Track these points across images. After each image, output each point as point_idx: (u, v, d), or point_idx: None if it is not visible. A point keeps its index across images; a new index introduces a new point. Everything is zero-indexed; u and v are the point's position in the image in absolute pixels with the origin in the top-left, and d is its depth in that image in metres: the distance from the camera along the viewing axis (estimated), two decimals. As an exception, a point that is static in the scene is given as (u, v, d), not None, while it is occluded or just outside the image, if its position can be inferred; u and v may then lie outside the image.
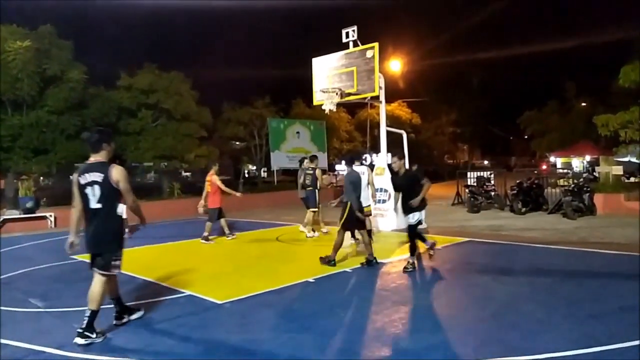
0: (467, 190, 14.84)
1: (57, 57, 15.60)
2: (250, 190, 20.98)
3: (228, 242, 9.78)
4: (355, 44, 11.48)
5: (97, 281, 4.34)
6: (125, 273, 6.87)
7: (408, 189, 6.65)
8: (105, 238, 4.32)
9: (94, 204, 4.20)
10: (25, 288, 6.29)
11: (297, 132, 23.44)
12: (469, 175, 16.15)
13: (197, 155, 19.67)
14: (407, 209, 6.65)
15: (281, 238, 10.08)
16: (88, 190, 4.18)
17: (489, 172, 12.93)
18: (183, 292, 5.74)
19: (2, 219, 12.54)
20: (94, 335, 4.16)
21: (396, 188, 7.28)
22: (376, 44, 11.13)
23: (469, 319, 4.63)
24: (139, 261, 7.92)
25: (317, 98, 12.09)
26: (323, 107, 11.50)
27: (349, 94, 11.41)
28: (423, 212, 6.77)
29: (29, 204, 13.05)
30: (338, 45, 11.88)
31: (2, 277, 6.88)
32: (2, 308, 5.28)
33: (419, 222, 6.76)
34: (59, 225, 13.18)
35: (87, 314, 4.20)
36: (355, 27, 11.51)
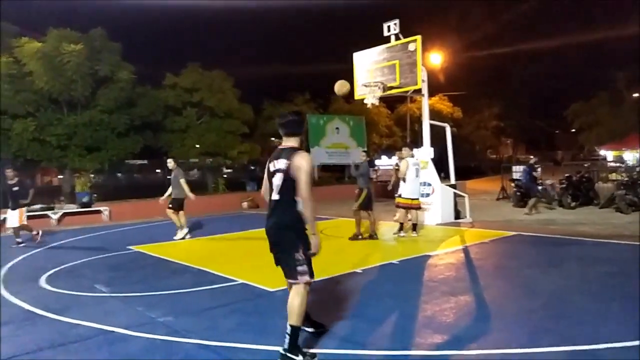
0: (512, 185, 14.53)
1: (108, 58, 16.33)
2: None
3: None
4: (397, 38, 11.45)
5: (293, 292, 3.57)
6: (180, 263, 7.27)
7: None
8: (283, 238, 3.60)
9: (274, 195, 3.60)
10: (89, 275, 6.71)
11: (337, 128, 23.49)
12: (514, 170, 15.80)
13: (239, 151, 20.14)
14: None
15: (325, 231, 10.23)
16: (274, 178, 3.59)
17: (535, 166, 12.62)
18: (236, 280, 5.97)
19: (62, 212, 13.29)
20: (299, 358, 3.37)
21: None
22: (419, 37, 11.07)
23: (519, 310, 4.60)
24: (192, 252, 8.30)
25: (359, 92, 12.14)
26: (365, 102, 11.53)
27: (391, 88, 11.41)
28: None
29: (85, 199, 13.80)
30: (377, 40, 11.90)
31: (66, 265, 7.36)
32: (71, 292, 5.68)
33: None
34: (113, 218, 13.87)
35: (287, 330, 3.42)
36: (397, 21, 11.48)
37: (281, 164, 3.54)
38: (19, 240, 9.49)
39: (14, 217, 9.39)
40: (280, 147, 3.71)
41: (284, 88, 27.39)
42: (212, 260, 7.28)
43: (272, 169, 3.62)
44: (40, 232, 9.92)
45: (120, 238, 10.02)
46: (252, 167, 34.06)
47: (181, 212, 9.80)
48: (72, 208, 13.68)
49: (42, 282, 6.27)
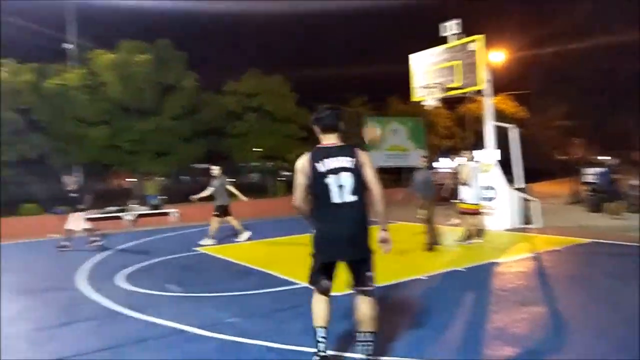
0: (586, 188, 13.71)
1: (173, 67, 17.17)
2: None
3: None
4: (458, 37, 11.18)
5: (364, 300, 3.39)
6: (245, 265, 7.48)
7: None
8: (362, 244, 3.32)
9: (346, 197, 3.23)
10: (162, 275, 7.06)
11: (394, 130, 23.25)
12: (586, 172, 14.88)
13: (297, 155, 20.38)
14: None
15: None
16: (330, 179, 3.22)
17: (616, 167, 11.79)
18: (299, 284, 6.04)
19: (134, 214, 14.09)
20: None
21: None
22: (482, 36, 10.74)
23: (597, 323, 4.33)
24: (255, 255, 8.50)
25: (417, 94, 11.96)
26: (423, 103, 11.35)
27: (451, 89, 11.14)
28: None
29: (155, 201, 14.56)
30: (433, 40, 11.71)
31: (140, 265, 7.79)
32: (146, 291, 5.99)
33: None
34: (181, 220, 14.52)
35: (368, 337, 3.38)
36: (457, 20, 11.22)
37: (343, 162, 3.24)
38: (66, 243, 9.60)
39: (73, 221, 9.63)
40: (323, 145, 3.36)
41: (340, 91, 27.47)
42: (275, 263, 7.42)
43: (322, 169, 3.23)
44: (99, 239, 9.85)
45: (187, 239, 10.44)
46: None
47: (230, 217, 9.96)
48: (143, 210, 14.46)
49: (120, 280, 6.67)
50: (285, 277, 6.44)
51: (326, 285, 3.44)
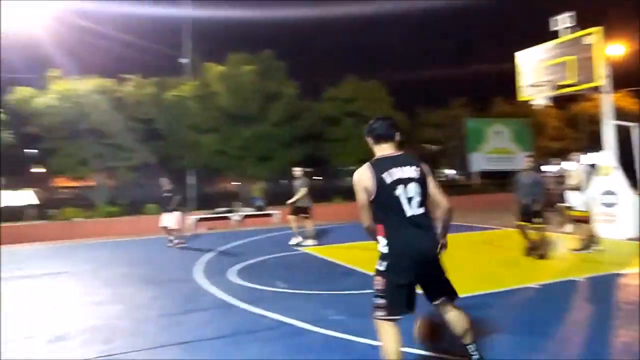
0: None
1: (275, 77, 18.04)
2: (449, 193, 20.69)
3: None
4: (570, 31, 10.39)
5: (455, 309, 3.31)
6: (347, 265, 7.65)
7: None
8: (438, 258, 3.15)
9: (415, 209, 3.03)
10: (269, 272, 7.48)
11: (498, 132, 22.15)
12: None
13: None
14: None
15: (493, 242, 9.72)
16: (399, 191, 3.00)
17: None
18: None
19: (240, 215, 15.05)
20: None
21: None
22: (599, 28, 9.89)
23: None
24: (356, 256, 8.60)
25: (525, 93, 11.30)
26: (532, 103, 10.70)
27: (564, 86, 10.37)
28: None
29: (259, 203, 15.41)
30: (538, 37, 11.01)
31: (249, 262, 8.29)
32: (256, 286, 6.39)
33: None
34: (283, 221, 15.09)
35: (475, 347, 3.29)
36: (571, 13, 10.44)
37: (410, 171, 3.04)
38: (172, 239, 10.61)
39: (168, 219, 10.54)
40: (384, 155, 3.15)
41: (439, 93, 26.82)
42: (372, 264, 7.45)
43: (389, 180, 3.00)
44: (185, 241, 10.83)
45: (289, 240, 10.88)
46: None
47: (308, 220, 10.06)
48: (248, 211, 15.36)
49: (232, 275, 7.18)
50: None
51: (404, 311, 3.12)
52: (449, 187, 25.63)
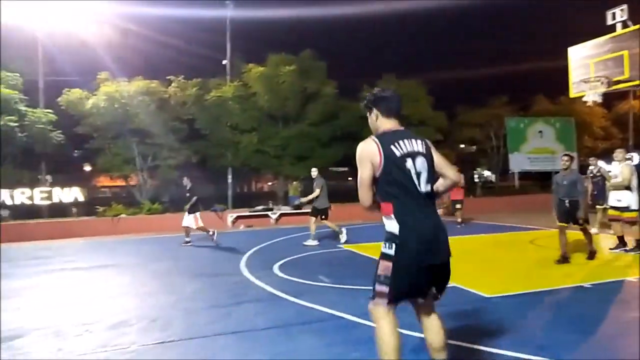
0: None
1: (314, 76, 18.15)
2: (487, 194, 20.30)
3: (477, 241, 9.75)
4: (625, 25, 10.02)
5: (440, 320, 2.95)
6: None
7: None
8: (447, 243, 2.78)
9: (424, 186, 2.73)
10: (312, 267, 7.56)
11: (540, 131, 21.50)
12: None
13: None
14: None
15: (536, 242, 9.48)
16: (409, 163, 2.70)
17: None
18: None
19: (279, 213, 15.24)
20: None
21: None
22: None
23: None
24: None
25: (576, 90, 10.99)
26: (585, 99, 10.38)
27: (618, 82, 10.01)
28: None
29: (297, 202, 15.54)
30: (578, 36, 10.68)
31: (291, 257, 8.40)
32: (300, 280, 6.47)
33: None
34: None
35: None
36: (624, 6, 10.08)
37: (417, 145, 2.76)
38: (188, 239, 10.68)
39: (188, 219, 10.59)
40: (389, 129, 2.81)
41: (480, 92, 26.31)
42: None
43: (398, 153, 2.69)
44: (216, 232, 10.70)
45: (328, 237, 10.95)
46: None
47: (326, 221, 9.98)
48: (286, 210, 15.53)
49: (276, 270, 7.30)
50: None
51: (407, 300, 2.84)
52: (487, 188, 25.13)
